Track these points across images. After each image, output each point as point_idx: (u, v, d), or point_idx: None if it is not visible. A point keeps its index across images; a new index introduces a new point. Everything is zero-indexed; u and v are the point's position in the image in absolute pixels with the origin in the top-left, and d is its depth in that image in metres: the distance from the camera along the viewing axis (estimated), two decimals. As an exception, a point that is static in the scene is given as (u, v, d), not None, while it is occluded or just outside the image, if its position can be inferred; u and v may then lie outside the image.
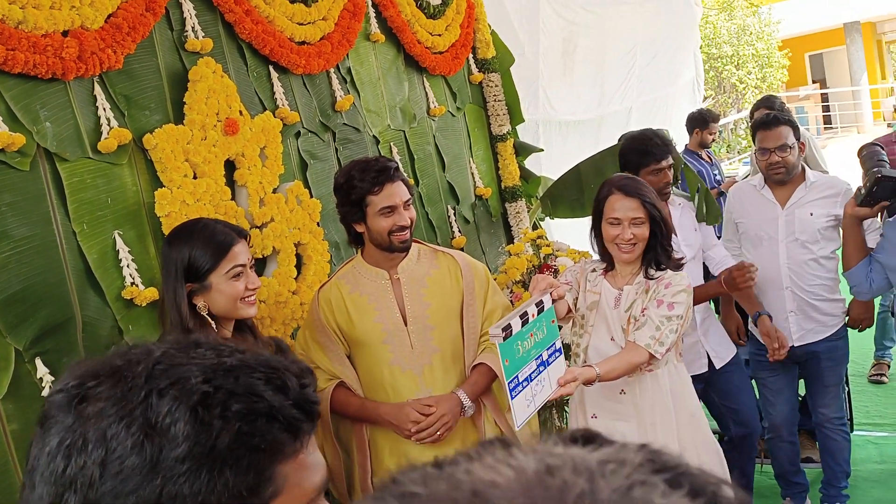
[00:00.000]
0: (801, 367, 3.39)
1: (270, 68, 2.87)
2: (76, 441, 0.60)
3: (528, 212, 4.37)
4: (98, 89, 2.24)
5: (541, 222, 4.70)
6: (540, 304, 2.12)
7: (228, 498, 0.59)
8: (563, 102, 6.09)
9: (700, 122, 5.82)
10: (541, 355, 2.08)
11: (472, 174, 4.11)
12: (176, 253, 1.99)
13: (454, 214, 3.88)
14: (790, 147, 3.15)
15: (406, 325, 2.49)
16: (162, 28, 2.48)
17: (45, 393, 2.02)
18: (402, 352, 2.48)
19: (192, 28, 2.54)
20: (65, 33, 2.14)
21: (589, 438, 0.34)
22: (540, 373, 2.07)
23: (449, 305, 2.54)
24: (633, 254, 2.51)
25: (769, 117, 3.26)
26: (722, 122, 14.55)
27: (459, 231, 3.88)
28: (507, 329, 1.95)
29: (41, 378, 2.02)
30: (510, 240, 4.22)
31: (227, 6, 2.65)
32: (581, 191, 4.04)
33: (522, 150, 4.43)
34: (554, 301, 2.22)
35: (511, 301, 3.11)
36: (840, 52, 21.21)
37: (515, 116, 4.40)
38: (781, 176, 3.19)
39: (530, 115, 5.48)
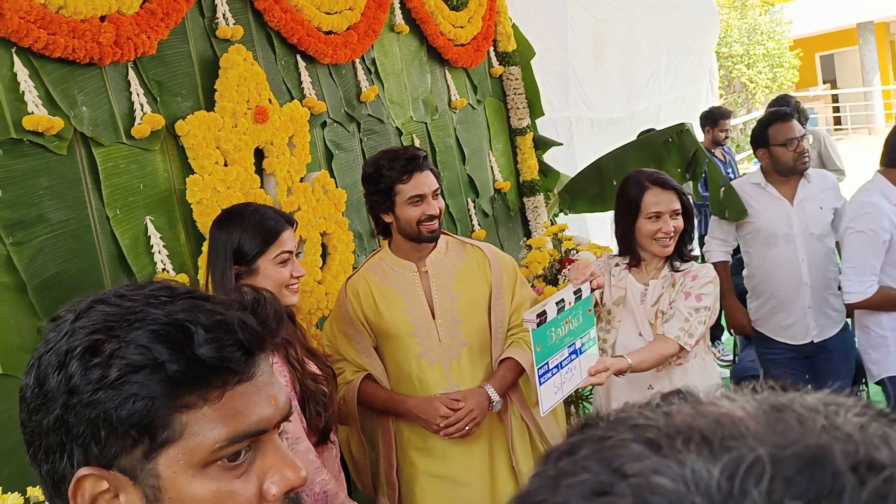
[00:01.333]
0: (810, 364, 3.38)
1: (298, 57, 2.87)
2: (32, 363, 0.72)
3: (546, 206, 4.37)
4: (132, 74, 2.25)
5: (556, 217, 4.70)
6: (578, 292, 2.12)
7: (119, 437, 0.67)
8: (596, 99, 6.12)
9: (710, 119, 5.81)
10: (574, 343, 2.08)
11: (492, 167, 4.11)
12: (226, 235, 1.99)
13: (474, 207, 3.89)
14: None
15: (434, 317, 2.48)
16: (194, 15, 2.48)
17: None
18: (430, 344, 2.48)
19: (223, 15, 2.55)
20: (102, 18, 2.14)
21: (790, 387, 0.35)
22: (571, 361, 2.07)
23: (477, 298, 2.53)
24: (671, 247, 2.51)
25: (781, 112, 3.31)
26: (732, 122, 14.54)
27: (479, 224, 3.88)
28: (542, 315, 1.95)
29: (75, 361, 2.03)
30: (528, 234, 4.22)
31: (257, -6, 2.66)
32: (602, 185, 4.04)
33: (542, 145, 4.43)
34: (593, 290, 2.22)
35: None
36: (852, 52, 21.12)
37: (535, 110, 4.40)
38: (808, 165, 3.21)
39: (562, 113, 5.52)
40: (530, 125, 4.34)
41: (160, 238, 2.27)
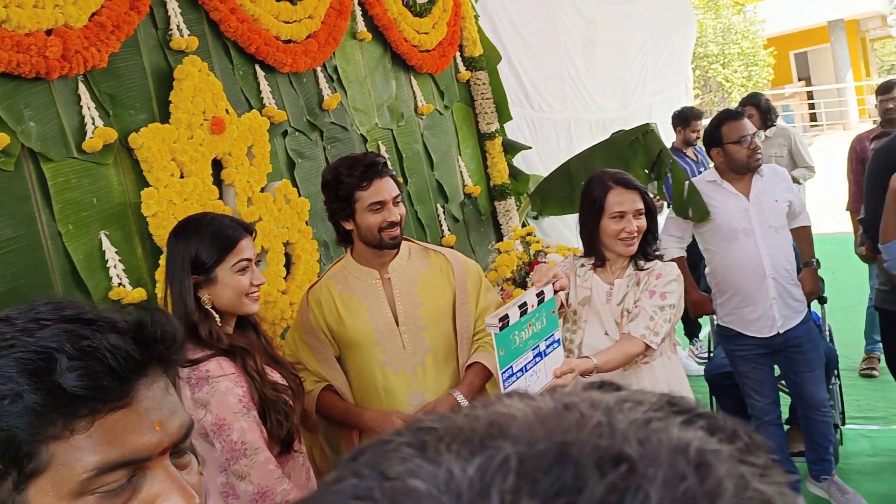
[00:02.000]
0: (781, 358, 3.40)
1: (257, 67, 2.85)
2: None
3: (518, 209, 4.37)
4: (82, 88, 2.22)
5: (530, 220, 4.70)
6: (541, 295, 2.11)
7: None
8: (592, 100, 6.20)
9: (682, 120, 5.84)
10: (538, 346, 2.07)
11: (461, 172, 4.10)
12: (183, 245, 1.97)
13: (443, 213, 3.87)
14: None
15: (398, 324, 2.46)
16: (146, 27, 2.46)
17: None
18: (393, 352, 2.45)
19: (178, 26, 2.52)
20: (48, 32, 2.12)
21: (607, 385, 0.34)
22: (536, 363, 2.06)
23: (441, 304, 2.51)
24: (635, 246, 2.52)
25: (733, 111, 3.39)
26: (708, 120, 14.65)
27: (449, 229, 3.87)
28: (505, 319, 1.93)
29: (28, 380, 1.99)
30: (500, 238, 4.22)
31: (211, 4, 2.63)
32: (571, 187, 4.03)
33: (511, 148, 4.43)
34: (556, 292, 2.21)
35: (502, 299, 3.10)
36: (825, 49, 21.35)
37: (503, 114, 4.39)
38: (761, 161, 3.26)
39: (560, 114, 5.58)
40: (499, 129, 4.34)
41: (115, 252, 2.24)
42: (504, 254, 3.39)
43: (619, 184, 2.55)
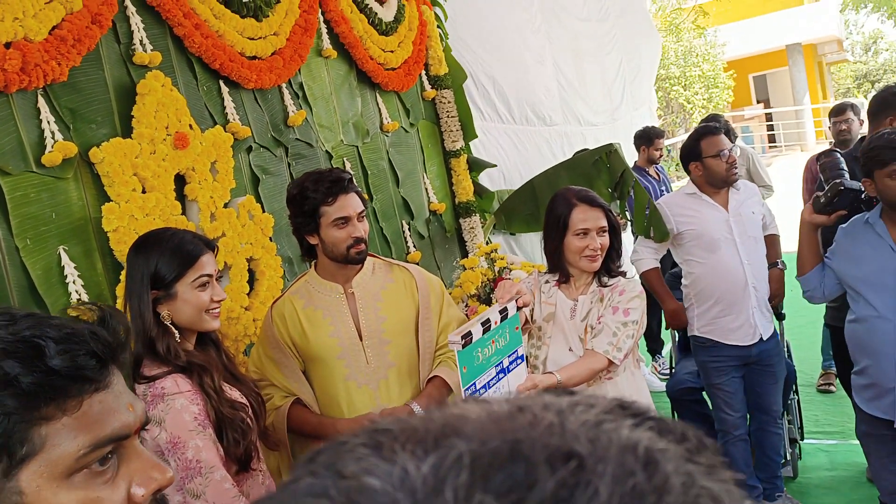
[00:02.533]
0: (749, 371, 3.46)
1: (221, 83, 2.84)
2: None
3: (483, 227, 4.39)
4: (42, 102, 2.20)
5: (506, 236, 4.73)
6: (504, 312, 2.12)
7: None
8: (583, 112, 6.34)
9: (645, 139, 5.93)
10: (501, 362, 2.07)
11: (426, 190, 4.12)
12: (143, 259, 1.95)
13: (409, 230, 3.88)
14: None
15: (361, 339, 2.46)
16: (109, 41, 2.44)
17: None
18: (357, 367, 2.45)
19: (140, 41, 2.51)
20: (7, 45, 2.09)
21: (561, 390, 0.35)
22: (499, 380, 2.06)
23: (404, 319, 2.52)
24: (598, 263, 2.54)
25: (711, 126, 3.51)
26: (670, 141, 14.90)
27: (414, 246, 3.88)
28: (468, 337, 1.94)
29: (-18, 398, 1.95)
30: (465, 255, 4.23)
31: (176, 20, 2.63)
32: (536, 205, 4.08)
33: (476, 166, 4.46)
34: (519, 308, 2.23)
35: (466, 315, 3.11)
36: (783, 73, 21.90)
37: (468, 132, 4.43)
38: (738, 176, 3.37)
39: (561, 127, 5.65)
40: (464, 147, 4.37)
41: (75, 268, 2.21)
42: (469, 270, 3.40)
43: (584, 201, 2.58)
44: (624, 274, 2.64)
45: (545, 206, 3.95)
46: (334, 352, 2.44)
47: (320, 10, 3.40)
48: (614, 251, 2.61)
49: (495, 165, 4.62)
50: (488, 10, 5.21)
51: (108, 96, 2.42)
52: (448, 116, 4.32)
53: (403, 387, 2.50)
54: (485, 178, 4.62)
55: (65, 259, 2.20)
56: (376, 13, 3.78)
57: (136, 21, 2.51)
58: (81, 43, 2.28)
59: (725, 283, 3.33)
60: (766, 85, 23.68)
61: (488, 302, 3.35)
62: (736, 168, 3.36)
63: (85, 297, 2.21)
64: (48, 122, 2.20)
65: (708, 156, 3.35)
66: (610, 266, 2.61)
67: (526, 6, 5.81)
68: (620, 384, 2.56)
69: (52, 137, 2.20)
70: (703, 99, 19.58)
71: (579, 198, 2.59)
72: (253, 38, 2.95)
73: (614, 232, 2.60)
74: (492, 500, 0.26)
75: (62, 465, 0.69)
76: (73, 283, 2.20)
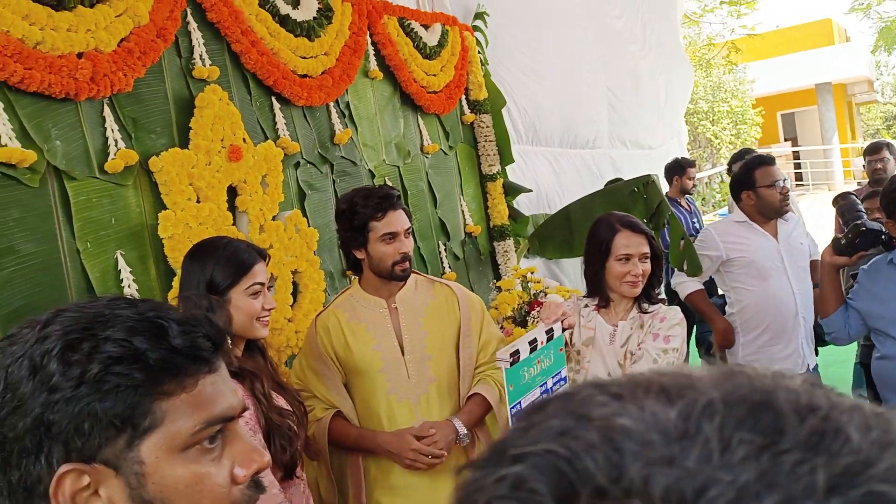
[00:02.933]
0: None
1: (273, 99, 2.92)
2: None
3: (516, 251, 4.43)
4: (107, 111, 2.28)
5: (526, 261, 4.76)
6: (550, 332, 2.14)
7: (101, 429, 0.70)
8: (629, 136, 6.44)
9: (678, 169, 5.96)
10: (545, 383, 2.10)
11: (463, 212, 4.17)
12: (199, 266, 2.00)
13: (445, 250, 3.92)
14: None
15: (403, 354, 2.49)
16: (171, 55, 2.52)
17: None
18: (398, 381, 2.48)
19: (200, 56, 2.59)
20: (79, 55, 2.17)
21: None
22: (543, 399, 2.09)
23: (446, 335, 2.55)
24: (639, 288, 2.56)
25: (766, 157, 3.54)
26: (697, 175, 14.90)
27: (450, 267, 3.92)
28: (516, 354, 1.97)
29: (39, 395, 2.00)
30: (498, 277, 4.26)
31: (234, 37, 2.71)
32: (570, 232, 4.11)
33: (512, 191, 4.50)
34: (564, 330, 2.25)
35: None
36: (812, 111, 21.84)
37: (505, 157, 4.48)
38: (789, 207, 3.42)
39: (600, 150, 5.72)
40: (500, 171, 4.42)
41: (130, 272, 2.27)
42: (505, 292, 3.43)
43: (627, 227, 2.60)
44: (664, 301, 2.66)
45: (579, 233, 3.99)
46: (377, 365, 2.47)
47: (368, 33, 3.49)
48: (655, 278, 2.63)
49: (531, 190, 4.67)
50: (537, 32, 5.31)
51: (167, 107, 2.50)
52: (486, 141, 4.38)
53: (444, 402, 2.52)
54: (521, 200, 4.66)
55: (121, 263, 2.26)
56: (421, 37, 3.86)
57: (197, 36, 2.59)
58: (146, 55, 2.36)
59: (776, 311, 3.33)
60: (794, 123, 23.60)
61: (524, 324, 3.37)
62: (788, 199, 3.38)
63: (138, 301, 2.27)
64: (112, 131, 2.27)
65: (762, 185, 3.36)
66: (650, 293, 2.62)
67: (580, 32, 5.92)
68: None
69: (115, 145, 2.27)
70: (731, 134, 19.56)
71: (623, 223, 2.62)
72: (305, 57, 3.03)
73: (656, 259, 2.62)
74: (752, 437, 0.29)
75: (178, 439, 0.73)
76: (129, 286, 2.26)
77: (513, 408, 1.96)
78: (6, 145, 1.97)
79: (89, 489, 0.70)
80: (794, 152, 21.40)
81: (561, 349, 2.22)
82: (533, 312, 3.38)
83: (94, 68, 2.18)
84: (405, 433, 2.39)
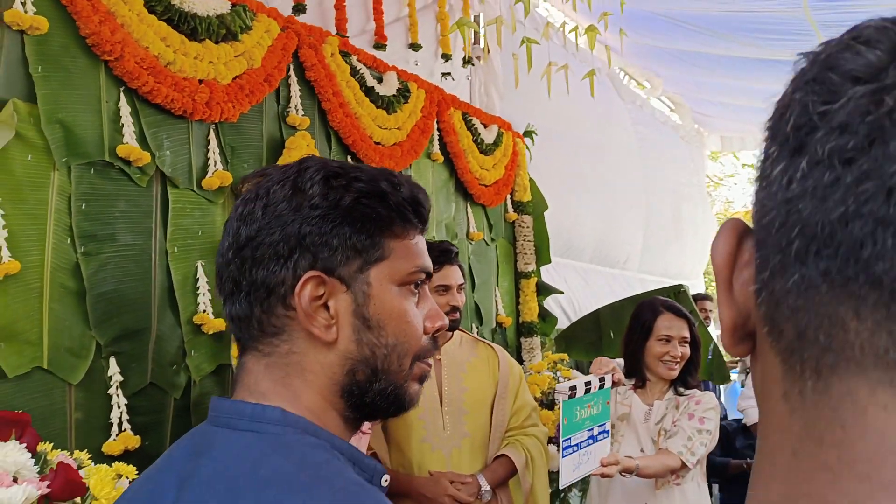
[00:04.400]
0: None
1: (349, 158, 3.15)
2: (250, 195, 0.86)
3: (542, 350, 4.53)
4: (212, 134, 2.50)
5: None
6: (602, 381, 2.25)
7: (345, 248, 0.83)
8: (669, 264, 6.73)
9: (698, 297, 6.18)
10: (592, 429, 2.19)
11: (496, 302, 4.32)
12: None
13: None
14: None
15: (441, 405, 2.58)
16: (271, 99, 2.78)
17: (111, 391, 2.10)
18: (434, 430, 2.55)
19: (296, 106, 2.85)
20: (200, 81, 2.42)
21: None
22: (589, 445, 2.17)
23: (484, 393, 2.64)
24: (676, 371, 2.66)
25: None
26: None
27: (480, 351, 4.02)
28: (573, 389, 2.07)
29: (111, 376, 2.11)
30: (523, 372, 4.35)
31: (325, 96, 2.97)
32: (599, 334, 4.24)
33: (543, 290, 4.66)
34: (613, 384, 2.35)
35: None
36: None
37: (542, 257, 4.67)
38: None
39: (635, 272, 6.00)
40: (535, 271, 4.60)
41: (206, 282, 2.41)
42: (535, 374, 3.52)
43: (670, 310, 2.75)
44: (699, 387, 2.76)
45: (608, 335, 4.12)
46: (416, 411, 2.55)
47: (436, 119, 3.77)
48: (693, 365, 2.74)
49: (562, 292, 4.83)
50: (579, 149, 5.63)
51: (261, 143, 2.72)
52: (524, 240, 4.58)
53: (474, 458, 2.57)
54: (550, 304, 4.81)
55: (200, 273, 2.41)
56: (480, 133, 4.15)
57: (295, 89, 2.85)
58: (253, 94, 2.61)
59: None
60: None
61: (550, 407, 3.44)
62: None
63: (210, 311, 2.40)
64: (213, 152, 2.48)
65: None
66: (687, 379, 2.72)
67: (624, 157, 6.26)
68: (687, 492, 2.61)
69: (214, 165, 2.48)
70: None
71: (666, 306, 2.77)
72: (382, 127, 3.28)
73: (695, 346, 2.74)
74: None
75: (397, 274, 0.85)
76: (203, 295, 2.40)
77: (564, 441, 2.05)
78: (128, 143, 2.18)
79: (321, 300, 0.82)
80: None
81: (608, 402, 2.31)
82: (592, 365, 3.47)
83: (211, 95, 2.42)
84: (441, 478, 2.44)
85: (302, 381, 0.84)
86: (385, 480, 0.88)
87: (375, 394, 0.86)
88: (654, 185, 6.76)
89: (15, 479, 1.21)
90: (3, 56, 1.92)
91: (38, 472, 1.30)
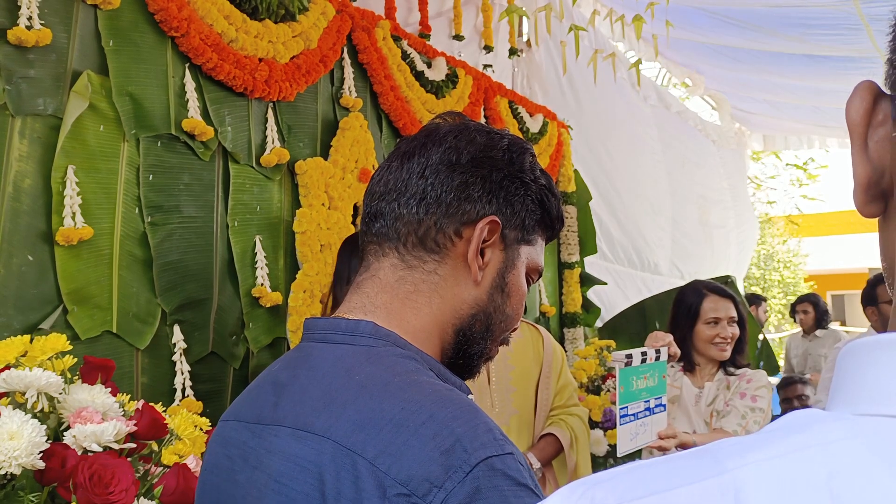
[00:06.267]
0: None
1: (397, 140, 3.19)
2: (471, 129, 0.94)
3: (585, 341, 4.52)
4: (270, 112, 2.55)
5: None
6: (658, 353, 2.25)
7: (521, 217, 0.91)
8: (700, 266, 6.70)
9: (754, 299, 6.13)
10: (649, 400, 2.19)
11: (540, 292, 4.32)
12: (346, 257, 2.22)
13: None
14: None
15: (489, 383, 2.60)
16: (325, 81, 2.83)
17: (175, 358, 2.16)
18: (483, 409, 2.57)
19: (349, 88, 2.90)
20: (260, 60, 2.48)
21: None
22: (645, 416, 2.17)
23: (530, 372, 2.65)
24: (728, 351, 2.65)
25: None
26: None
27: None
28: (629, 357, 2.08)
29: (174, 343, 2.16)
30: (566, 362, 4.35)
31: (377, 79, 3.02)
32: (644, 325, 4.22)
33: (587, 281, 4.66)
34: (670, 357, 2.35)
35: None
36: (863, 292, 21.66)
37: (587, 248, 4.67)
38: None
39: (667, 277, 6.00)
40: (579, 261, 4.60)
41: (264, 257, 2.47)
42: (582, 360, 3.52)
43: (714, 291, 2.73)
44: (748, 366, 2.74)
45: (653, 325, 4.10)
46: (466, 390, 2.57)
47: (483, 106, 3.80)
48: (741, 343, 2.73)
49: (605, 283, 4.82)
50: (610, 150, 5.61)
51: (316, 123, 2.77)
52: (568, 230, 4.59)
53: (522, 436, 2.59)
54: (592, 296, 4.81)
55: (258, 247, 2.46)
56: (525, 122, 4.17)
57: (349, 71, 2.91)
58: (310, 74, 2.66)
59: None
60: (843, 305, 23.46)
61: (597, 392, 3.44)
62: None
63: (267, 284, 2.45)
64: (272, 130, 2.54)
65: (882, 301, 3.47)
66: (736, 358, 2.71)
67: (650, 157, 6.23)
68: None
69: (272, 143, 2.53)
70: (781, 304, 19.52)
71: (710, 289, 2.75)
72: (431, 112, 3.32)
73: (742, 325, 2.73)
74: None
75: (531, 263, 0.94)
76: (261, 269, 2.45)
77: (621, 409, 2.05)
78: (192, 117, 2.24)
79: (485, 245, 0.89)
80: (845, 332, 21.09)
81: (664, 376, 2.31)
82: (608, 383, 3.46)
83: (270, 73, 2.48)
84: None
85: (427, 301, 0.88)
86: (470, 397, 0.90)
87: (477, 348, 0.92)
88: (681, 191, 6.73)
89: (103, 419, 1.26)
90: (77, 29, 1.99)
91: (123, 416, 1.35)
